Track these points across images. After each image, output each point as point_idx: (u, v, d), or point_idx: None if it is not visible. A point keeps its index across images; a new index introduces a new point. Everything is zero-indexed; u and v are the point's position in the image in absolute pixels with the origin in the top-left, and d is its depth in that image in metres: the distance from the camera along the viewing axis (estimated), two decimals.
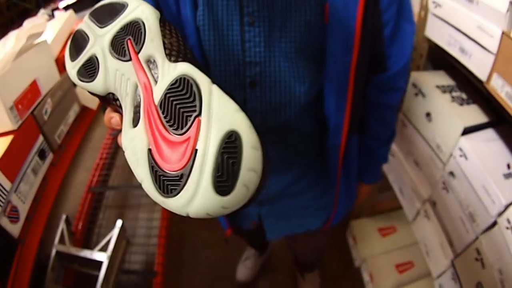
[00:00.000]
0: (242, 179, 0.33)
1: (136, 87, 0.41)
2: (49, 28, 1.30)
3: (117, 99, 0.43)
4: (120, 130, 0.43)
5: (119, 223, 1.44)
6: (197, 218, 0.35)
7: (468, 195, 0.97)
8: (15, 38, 1.03)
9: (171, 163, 0.35)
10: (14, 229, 0.88)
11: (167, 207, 0.35)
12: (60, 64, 1.17)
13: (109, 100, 0.45)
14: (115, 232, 1.41)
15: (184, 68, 0.39)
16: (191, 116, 0.35)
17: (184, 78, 0.37)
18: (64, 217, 1.44)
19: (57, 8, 2.11)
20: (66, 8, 2.10)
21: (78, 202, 2.20)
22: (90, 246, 1.69)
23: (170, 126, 0.36)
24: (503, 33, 0.80)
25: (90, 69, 0.44)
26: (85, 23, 0.48)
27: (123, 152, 0.40)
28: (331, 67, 0.73)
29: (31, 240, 0.94)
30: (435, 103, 1.11)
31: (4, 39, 1.10)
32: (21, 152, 0.96)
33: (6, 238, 0.86)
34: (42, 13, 4.64)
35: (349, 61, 0.72)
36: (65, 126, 1.17)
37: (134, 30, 0.43)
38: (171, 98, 0.37)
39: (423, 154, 1.20)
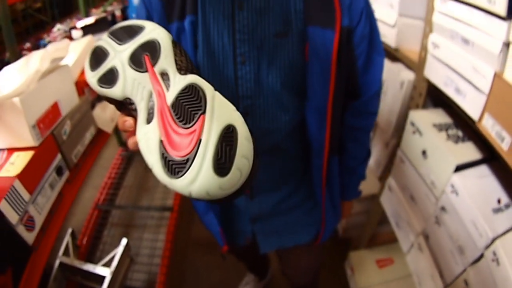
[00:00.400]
0: (236, 163, 0.41)
1: (151, 93, 0.49)
2: (70, 51, 1.38)
3: (133, 103, 0.51)
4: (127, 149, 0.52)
5: (124, 241, 1.47)
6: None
7: (458, 229, 1.00)
8: (39, 60, 1.09)
9: (179, 150, 0.42)
10: (29, 237, 0.92)
11: (174, 187, 0.42)
12: (79, 87, 1.22)
13: (124, 104, 0.53)
14: (119, 250, 1.43)
15: (193, 78, 0.48)
16: (197, 113, 0.43)
17: (193, 85, 0.47)
18: (70, 230, 1.47)
19: (74, 27, 2.22)
20: (84, 28, 2.19)
21: (84, 217, 2.24)
22: (93, 261, 1.72)
23: (180, 121, 0.44)
24: (495, 74, 0.85)
25: (110, 78, 0.53)
26: (104, 41, 0.57)
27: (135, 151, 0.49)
28: (312, 97, 0.85)
29: (43, 249, 0.98)
30: (430, 141, 1.15)
31: (27, 57, 1.16)
32: (41, 168, 1.01)
33: (21, 244, 0.91)
34: (58, 29, 4.75)
35: (327, 92, 0.83)
36: (82, 146, 1.22)
37: (151, 48, 0.53)
38: (181, 100, 0.46)
39: (419, 189, 1.23)
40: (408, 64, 1.41)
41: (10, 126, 0.98)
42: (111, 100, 0.55)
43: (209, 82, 0.49)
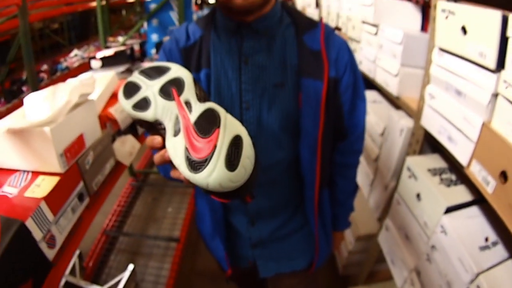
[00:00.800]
0: (242, 162, 0.55)
1: (177, 116, 0.63)
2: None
3: (161, 124, 0.65)
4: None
5: (130, 266, 1.52)
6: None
7: (447, 266, 1.06)
8: (69, 93, 1.18)
9: (200, 153, 0.56)
10: (50, 254, 0.99)
11: (195, 180, 0.55)
12: (102, 121, 1.31)
13: (154, 125, 0.67)
14: (126, 274, 1.47)
15: (210, 104, 0.63)
16: (213, 128, 0.58)
17: (210, 108, 0.62)
18: (77, 252, 1.52)
19: (94, 57, 2.26)
20: (103, 59, 2.25)
21: (92, 241, 2.31)
22: (99, 283, 1.76)
23: (200, 134, 0.58)
24: (483, 123, 0.94)
25: (143, 105, 0.67)
26: (136, 77, 0.72)
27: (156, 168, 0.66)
28: (304, 137, 0.98)
29: (61, 265, 1.04)
30: (424, 186, 1.23)
31: (53, 88, 1.22)
32: (65, 193, 1.08)
33: (43, 259, 0.97)
34: (76, 54, 4.91)
35: (317, 133, 0.97)
36: (102, 176, 1.29)
37: (177, 83, 0.68)
38: (201, 119, 0.60)
39: (413, 229, 1.30)
40: (408, 112, 1.51)
41: (38, 152, 1.06)
42: (142, 122, 0.69)
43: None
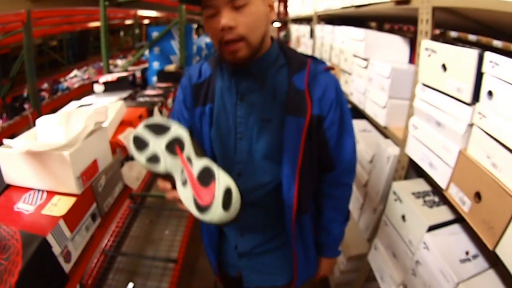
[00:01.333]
0: (233, 204, 0.78)
1: (182, 169, 0.86)
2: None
3: (171, 175, 0.88)
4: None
5: (130, 285, 1.58)
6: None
7: (430, 278, 1.16)
8: (84, 121, 1.26)
9: (204, 201, 0.79)
10: (66, 267, 1.06)
11: (202, 218, 0.78)
12: (112, 148, 1.39)
13: (166, 176, 0.89)
14: None
15: (205, 162, 0.84)
16: (211, 180, 0.81)
17: (207, 167, 0.84)
18: None
19: (97, 82, 2.30)
20: (105, 84, 2.30)
21: (90, 260, 2.36)
22: None
23: (202, 184, 0.82)
24: (460, 151, 1.07)
25: (154, 160, 0.88)
26: (142, 131, 0.92)
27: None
28: (285, 167, 1.09)
29: (75, 278, 1.12)
30: (408, 208, 1.34)
31: (67, 114, 1.27)
32: (81, 212, 1.17)
33: (61, 272, 1.05)
34: (75, 75, 4.99)
35: (296, 164, 1.08)
36: (112, 198, 1.38)
37: (179, 141, 0.89)
38: (202, 175, 0.83)
39: (399, 247, 1.40)
40: (395, 141, 1.63)
41: (55, 174, 1.14)
42: (153, 171, 0.89)
43: (215, 159, 0.96)
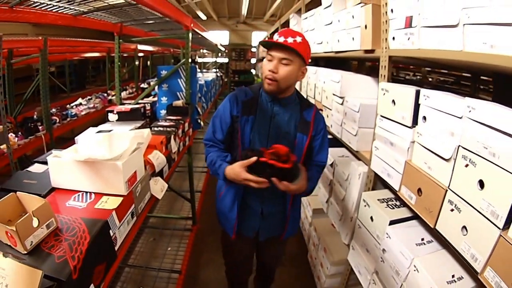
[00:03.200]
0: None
1: None
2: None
3: None
4: None
5: None
6: None
7: (394, 260, 1.47)
8: (130, 141, 1.54)
9: None
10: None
11: None
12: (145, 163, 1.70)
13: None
14: None
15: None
16: None
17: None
18: None
19: (112, 111, 2.51)
20: (119, 113, 2.51)
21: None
22: None
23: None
24: (406, 161, 1.44)
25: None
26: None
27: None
28: (297, 152, 1.73)
29: (118, 259, 1.38)
30: (374, 210, 1.67)
31: (108, 136, 1.58)
32: (125, 208, 1.45)
33: (113, 250, 1.34)
34: (81, 103, 5.23)
35: (300, 157, 1.75)
36: (143, 203, 1.67)
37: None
38: None
39: (370, 242, 1.72)
40: (364, 161, 1.99)
41: (107, 179, 1.43)
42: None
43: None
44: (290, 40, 1.59)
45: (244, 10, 11.36)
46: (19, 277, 0.96)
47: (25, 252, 1.08)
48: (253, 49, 13.24)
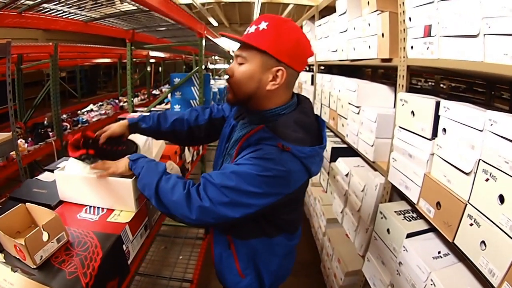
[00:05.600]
0: None
1: None
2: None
3: None
4: None
5: None
6: None
7: (410, 273, 1.45)
8: (155, 150, 1.57)
9: None
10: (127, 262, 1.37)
11: None
12: None
13: None
14: None
15: None
16: None
17: None
18: None
19: (123, 119, 2.36)
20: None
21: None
22: None
23: None
24: (425, 174, 1.42)
25: None
26: None
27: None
28: None
29: (132, 270, 1.40)
30: (391, 222, 1.65)
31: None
32: (139, 222, 1.47)
33: (126, 264, 1.34)
34: (92, 109, 5.31)
35: None
36: (157, 215, 1.69)
37: None
38: None
39: (386, 255, 1.70)
40: (381, 172, 1.97)
41: (117, 196, 1.44)
42: None
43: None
44: (252, 29, 1.17)
45: (255, 17, 11.38)
46: None
47: (35, 266, 1.09)
48: None
